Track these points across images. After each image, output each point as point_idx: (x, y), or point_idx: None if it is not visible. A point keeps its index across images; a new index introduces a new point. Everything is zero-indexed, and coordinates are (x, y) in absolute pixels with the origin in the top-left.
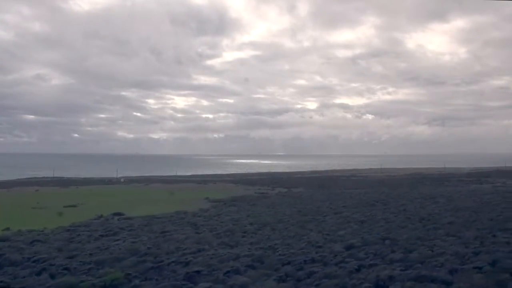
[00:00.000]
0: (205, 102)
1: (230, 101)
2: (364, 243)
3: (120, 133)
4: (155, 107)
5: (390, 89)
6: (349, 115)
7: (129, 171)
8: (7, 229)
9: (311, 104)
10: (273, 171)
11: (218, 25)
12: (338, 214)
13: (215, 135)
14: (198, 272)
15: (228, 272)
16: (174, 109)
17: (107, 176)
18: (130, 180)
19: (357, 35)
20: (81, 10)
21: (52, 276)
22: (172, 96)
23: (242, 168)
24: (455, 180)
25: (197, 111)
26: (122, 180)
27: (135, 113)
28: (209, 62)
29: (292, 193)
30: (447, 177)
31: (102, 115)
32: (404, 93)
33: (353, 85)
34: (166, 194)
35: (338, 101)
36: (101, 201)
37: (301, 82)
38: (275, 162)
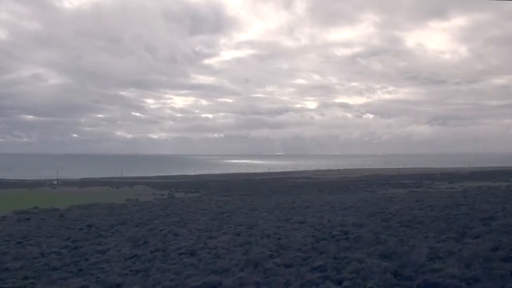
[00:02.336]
0: (204, 102)
1: (229, 100)
2: None
3: (119, 133)
4: (154, 107)
5: (390, 88)
6: (349, 115)
7: (91, 172)
8: None
9: (311, 104)
10: (243, 171)
11: (215, 23)
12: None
13: (215, 135)
14: None
15: None
16: (173, 109)
17: (63, 178)
18: (64, 183)
19: (356, 33)
20: (72, 8)
21: None
22: (171, 96)
23: (221, 169)
24: (388, 183)
25: (196, 111)
26: (54, 182)
27: (134, 113)
28: (207, 61)
29: (164, 200)
30: (386, 179)
31: (101, 115)
32: (404, 92)
33: (353, 84)
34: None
35: (338, 100)
36: None
37: (300, 81)
38: (266, 162)
